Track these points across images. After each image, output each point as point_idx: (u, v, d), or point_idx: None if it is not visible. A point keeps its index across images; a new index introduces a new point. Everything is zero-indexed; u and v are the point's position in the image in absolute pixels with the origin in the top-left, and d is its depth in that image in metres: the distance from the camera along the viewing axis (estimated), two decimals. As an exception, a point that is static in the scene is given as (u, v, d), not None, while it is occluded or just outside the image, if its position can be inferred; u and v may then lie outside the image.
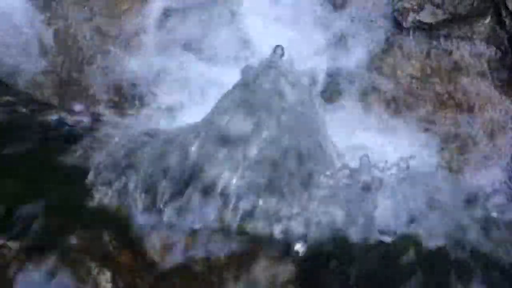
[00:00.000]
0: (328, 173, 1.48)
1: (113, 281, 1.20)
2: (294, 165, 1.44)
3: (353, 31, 2.52)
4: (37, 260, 1.23)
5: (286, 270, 1.22)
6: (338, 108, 2.20)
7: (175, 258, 1.29)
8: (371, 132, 2.24)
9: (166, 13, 2.44)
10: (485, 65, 2.44)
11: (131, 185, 1.45)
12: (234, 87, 1.67)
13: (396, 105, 2.42)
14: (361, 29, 2.54)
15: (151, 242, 1.31)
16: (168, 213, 1.36)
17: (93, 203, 1.39)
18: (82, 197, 1.41)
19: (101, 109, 2.13)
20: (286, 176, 1.40)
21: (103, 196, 1.42)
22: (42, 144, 1.55)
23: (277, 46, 1.74)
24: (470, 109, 2.37)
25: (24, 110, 1.73)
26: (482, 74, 2.45)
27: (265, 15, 2.40)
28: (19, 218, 1.28)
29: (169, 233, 1.33)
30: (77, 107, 2.03)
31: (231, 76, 1.74)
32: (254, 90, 1.65)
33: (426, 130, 2.35)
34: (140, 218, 1.37)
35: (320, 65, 2.41)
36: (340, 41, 2.48)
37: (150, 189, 1.43)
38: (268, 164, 1.45)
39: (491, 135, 2.29)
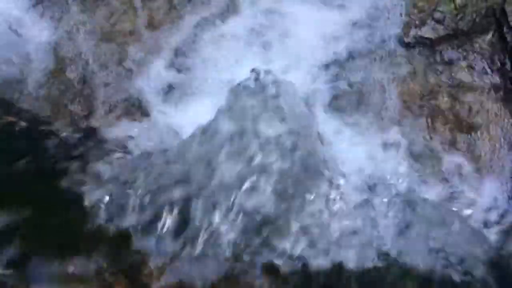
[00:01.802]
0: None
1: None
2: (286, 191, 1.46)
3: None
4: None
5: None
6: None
7: (169, 283, 1.31)
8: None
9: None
10: (486, 81, 2.44)
11: (129, 210, 1.47)
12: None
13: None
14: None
15: (147, 269, 1.33)
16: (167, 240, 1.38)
17: (91, 227, 1.41)
18: (80, 221, 1.43)
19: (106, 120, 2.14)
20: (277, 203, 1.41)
21: (101, 220, 1.44)
22: (43, 164, 1.56)
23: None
24: (470, 125, 2.37)
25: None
26: (482, 90, 2.44)
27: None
28: (13, 246, 1.30)
29: (165, 259, 1.35)
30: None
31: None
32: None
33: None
34: (138, 244, 1.38)
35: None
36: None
37: (148, 215, 1.45)
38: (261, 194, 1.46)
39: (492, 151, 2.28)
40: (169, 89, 2.34)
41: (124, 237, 1.41)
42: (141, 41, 2.43)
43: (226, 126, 1.66)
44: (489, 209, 2.16)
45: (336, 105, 2.33)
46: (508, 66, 2.41)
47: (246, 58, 2.17)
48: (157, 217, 1.43)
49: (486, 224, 2.09)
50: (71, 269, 1.27)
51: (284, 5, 2.44)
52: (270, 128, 1.64)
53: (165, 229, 1.43)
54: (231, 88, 1.73)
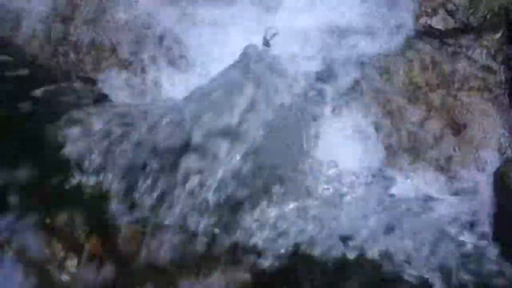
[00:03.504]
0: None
1: (78, 266, 1.27)
2: (268, 174, 1.49)
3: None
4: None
5: (242, 278, 1.29)
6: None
7: (141, 250, 1.36)
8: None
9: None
10: (488, 79, 2.42)
11: (110, 173, 1.50)
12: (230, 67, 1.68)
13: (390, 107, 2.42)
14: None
15: (121, 232, 1.38)
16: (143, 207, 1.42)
17: (72, 185, 1.44)
18: (63, 176, 1.46)
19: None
20: (258, 187, 1.45)
21: (83, 179, 1.47)
22: (35, 116, 1.57)
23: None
24: (461, 121, 2.37)
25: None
26: (482, 88, 2.43)
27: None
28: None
29: (139, 225, 1.39)
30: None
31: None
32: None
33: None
34: (115, 207, 1.42)
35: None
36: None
37: (128, 180, 1.47)
38: (245, 170, 1.49)
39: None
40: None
41: (103, 197, 1.45)
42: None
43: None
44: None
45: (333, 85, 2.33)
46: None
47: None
48: (136, 182, 1.46)
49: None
50: (48, 221, 1.31)
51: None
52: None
53: (143, 195, 1.46)
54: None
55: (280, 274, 1.35)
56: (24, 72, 1.67)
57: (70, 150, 1.47)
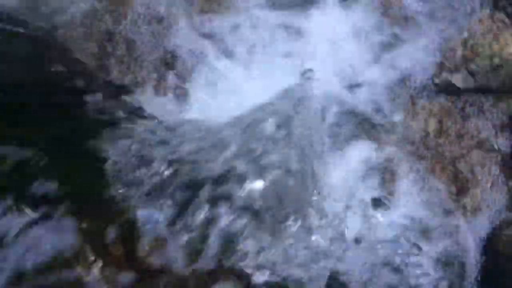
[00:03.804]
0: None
1: (103, 270, 1.44)
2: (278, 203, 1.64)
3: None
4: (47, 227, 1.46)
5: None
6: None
7: (160, 259, 1.52)
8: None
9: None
10: (498, 142, 2.54)
11: (141, 182, 1.65)
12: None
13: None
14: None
15: (144, 242, 1.54)
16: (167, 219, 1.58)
17: (106, 193, 1.60)
18: (102, 187, 1.62)
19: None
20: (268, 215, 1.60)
21: (116, 188, 1.63)
22: (77, 126, 1.73)
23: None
24: (466, 180, 2.50)
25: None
26: (491, 150, 2.55)
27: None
28: (40, 192, 1.50)
29: (162, 236, 1.55)
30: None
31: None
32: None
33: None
34: (142, 217, 1.58)
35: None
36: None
37: (159, 191, 1.63)
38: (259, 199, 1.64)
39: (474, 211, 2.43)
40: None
41: (132, 209, 1.61)
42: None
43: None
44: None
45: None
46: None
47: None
48: (164, 200, 1.62)
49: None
50: (84, 226, 1.47)
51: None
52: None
53: (167, 208, 1.62)
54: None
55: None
56: (72, 82, 1.82)
57: (111, 164, 1.63)
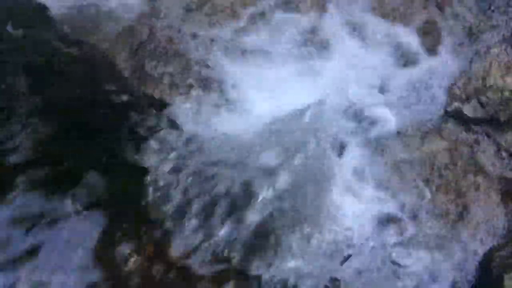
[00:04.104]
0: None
1: (136, 264, 1.73)
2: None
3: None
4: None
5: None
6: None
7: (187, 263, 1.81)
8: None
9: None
10: (498, 171, 2.72)
11: (172, 192, 1.94)
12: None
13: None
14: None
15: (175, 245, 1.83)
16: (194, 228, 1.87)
17: (147, 200, 1.89)
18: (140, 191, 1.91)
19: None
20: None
21: (156, 195, 1.92)
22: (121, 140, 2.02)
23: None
24: (465, 202, 2.68)
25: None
26: (492, 176, 2.72)
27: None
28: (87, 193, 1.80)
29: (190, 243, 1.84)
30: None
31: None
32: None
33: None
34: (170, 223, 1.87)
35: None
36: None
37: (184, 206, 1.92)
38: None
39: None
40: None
41: (164, 214, 1.89)
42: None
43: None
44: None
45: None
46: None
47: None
48: (189, 208, 1.91)
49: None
50: (124, 225, 1.76)
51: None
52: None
53: (192, 218, 1.90)
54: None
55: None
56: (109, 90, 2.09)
57: (149, 174, 1.92)
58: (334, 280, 1.99)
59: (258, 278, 1.85)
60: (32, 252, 1.66)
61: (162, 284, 1.78)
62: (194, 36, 2.84)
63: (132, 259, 1.75)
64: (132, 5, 2.78)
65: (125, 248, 1.76)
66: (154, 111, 2.17)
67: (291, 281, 1.85)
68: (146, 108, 2.15)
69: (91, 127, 1.94)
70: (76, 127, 1.88)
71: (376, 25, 2.72)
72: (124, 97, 2.13)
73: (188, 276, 1.80)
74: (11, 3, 2.25)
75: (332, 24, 2.80)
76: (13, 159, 1.67)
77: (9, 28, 2.05)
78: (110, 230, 1.78)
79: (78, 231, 1.75)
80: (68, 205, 1.73)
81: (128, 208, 1.86)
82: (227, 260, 1.83)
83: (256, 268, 1.84)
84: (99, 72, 2.17)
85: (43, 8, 2.29)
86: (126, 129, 2.02)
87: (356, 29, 2.83)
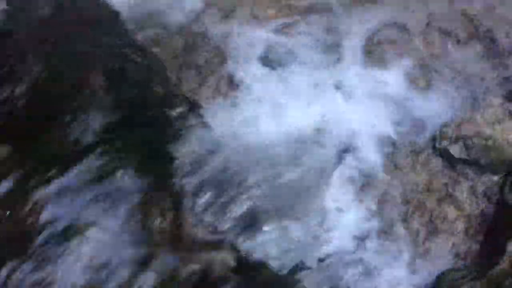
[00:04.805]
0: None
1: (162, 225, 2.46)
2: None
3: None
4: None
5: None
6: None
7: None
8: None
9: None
10: (472, 209, 3.17)
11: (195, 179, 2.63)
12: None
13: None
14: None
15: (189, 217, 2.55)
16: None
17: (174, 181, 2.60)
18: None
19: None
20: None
21: (181, 178, 2.63)
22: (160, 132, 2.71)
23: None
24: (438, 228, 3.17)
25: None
26: (463, 209, 3.18)
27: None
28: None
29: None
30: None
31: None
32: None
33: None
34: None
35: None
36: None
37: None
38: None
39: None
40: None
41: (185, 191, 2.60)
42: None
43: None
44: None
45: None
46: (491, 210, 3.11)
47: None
48: (199, 193, 2.60)
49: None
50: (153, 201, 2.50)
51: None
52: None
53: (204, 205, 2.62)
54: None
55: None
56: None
57: (177, 162, 2.61)
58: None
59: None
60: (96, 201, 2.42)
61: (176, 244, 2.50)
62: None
63: (159, 220, 2.47)
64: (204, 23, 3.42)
65: (156, 212, 2.49)
66: (191, 111, 2.83)
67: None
68: (186, 108, 2.81)
69: (141, 120, 2.65)
70: (134, 120, 2.61)
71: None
72: (168, 98, 2.81)
73: (195, 240, 2.50)
74: (92, 11, 2.96)
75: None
76: (86, 139, 2.42)
77: (90, 35, 2.78)
78: (145, 198, 2.50)
79: (123, 193, 2.49)
80: (118, 175, 2.47)
81: (160, 185, 2.57)
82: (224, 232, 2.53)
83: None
84: (155, 76, 2.86)
85: (117, 16, 2.99)
86: (167, 124, 2.71)
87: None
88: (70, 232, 2.38)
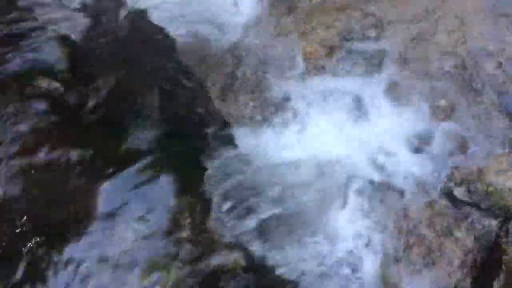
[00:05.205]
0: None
1: (188, 221, 3.01)
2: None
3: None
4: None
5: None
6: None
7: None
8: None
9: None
10: (467, 246, 3.48)
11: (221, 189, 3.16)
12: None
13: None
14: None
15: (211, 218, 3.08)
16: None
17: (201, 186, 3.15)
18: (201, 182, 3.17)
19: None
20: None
21: (208, 185, 3.17)
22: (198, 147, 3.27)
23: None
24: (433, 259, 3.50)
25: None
26: (462, 248, 3.49)
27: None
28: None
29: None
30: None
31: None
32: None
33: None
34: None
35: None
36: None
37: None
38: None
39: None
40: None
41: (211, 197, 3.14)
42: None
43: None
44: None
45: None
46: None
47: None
48: (223, 201, 3.12)
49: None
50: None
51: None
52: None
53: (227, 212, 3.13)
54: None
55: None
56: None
57: (209, 172, 3.16)
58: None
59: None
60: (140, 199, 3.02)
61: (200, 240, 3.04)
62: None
63: (189, 219, 3.02)
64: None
65: (186, 213, 3.05)
66: (224, 130, 3.40)
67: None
68: (220, 127, 3.39)
69: (183, 135, 3.25)
70: (177, 134, 3.21)
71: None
72: (206, 117, 3.40)
73: (215, 239, 3.03)
74: (155, 38, 3.63)
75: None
76: (138, 147, 3.04)
77: (151, 58, 3.43)
78: (179, 200, 3.07)
79: (162, 194, 3.07)
80: (160, 179, 3.06)
81: (192, 190, 3.13)
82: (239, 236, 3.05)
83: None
84: (197, 98, 3.46)
85: (173, 43, 3.65)
86: (203, 140, 3.29)
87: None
88: (117, 221, 2.99)
